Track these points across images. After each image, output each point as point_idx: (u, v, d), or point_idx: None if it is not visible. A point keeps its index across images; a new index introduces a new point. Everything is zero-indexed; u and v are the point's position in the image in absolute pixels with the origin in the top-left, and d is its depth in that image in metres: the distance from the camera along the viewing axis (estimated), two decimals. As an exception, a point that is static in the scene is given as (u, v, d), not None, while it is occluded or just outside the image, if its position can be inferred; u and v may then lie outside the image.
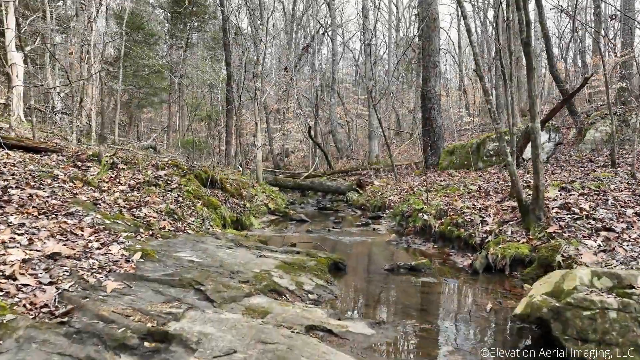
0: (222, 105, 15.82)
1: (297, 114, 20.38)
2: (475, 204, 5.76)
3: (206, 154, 22.37)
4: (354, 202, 10.50)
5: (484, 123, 22.43)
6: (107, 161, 6.13)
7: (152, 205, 4.81)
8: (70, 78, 13.12)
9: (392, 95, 24.29)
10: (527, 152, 9.78)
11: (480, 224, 4.82)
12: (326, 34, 25.43)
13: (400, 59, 22.43)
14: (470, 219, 5.08)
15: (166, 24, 25.94)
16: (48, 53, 16.21)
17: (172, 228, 4.39)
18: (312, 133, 16.68)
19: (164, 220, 4.46)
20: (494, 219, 4.84)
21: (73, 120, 7.92)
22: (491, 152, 10.18)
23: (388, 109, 24.15)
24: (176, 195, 5.51)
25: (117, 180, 5.73)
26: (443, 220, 5.56)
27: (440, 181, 9.09)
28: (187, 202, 5.36)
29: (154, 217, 4.43)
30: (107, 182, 5.55)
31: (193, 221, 4.77)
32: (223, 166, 14.81)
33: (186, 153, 19.68)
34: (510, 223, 4.49)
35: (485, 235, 4.46)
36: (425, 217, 5.94)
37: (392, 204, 8.47)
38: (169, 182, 5.96)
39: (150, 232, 3.98)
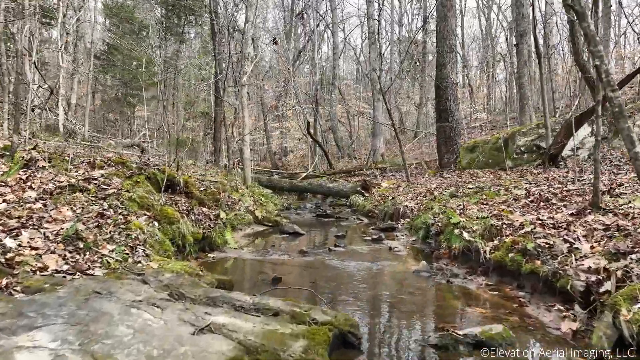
0: (213, 100, 13.96)
1: (296, 110, 18.50)
2: (541, 217, 3.87)
3: (201, 153, 20.52)
4: (358, 207, 8.61)
5: (493, 121, 20.55)
6: (21, 157, 4.26)
7: (50, 224, 2.92)
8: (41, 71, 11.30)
9: (396, 92, 22.41)
10: (567, 149, 7.91)
11: (569, 255, 2.93)
12: (327, 27, 23.56)
13: (405, 54, 20.56)
14: (546, 243, 3.18)
15: (162, 19, 23.99)
16: (29, 45, 14.36)
17: (66, 267, 2.50)
18: (312, 130, 14.79)
19: (53, 252, 2.57)
20: (591, 247, 2.95)
21: (4, 105, 6.03)
22: (522, 149, 8.29)
23: (391, 107, 22.23)
24: (106, 206, 3.62)
25: (28, 183, 3.85)
26: (497, 242, 3.67)
27: (466, 183, 7.20)
28: (119, 217, 3.46)
29: (36, 249, 2.55)
30: (8, 187, 3.67)
31: (113, 250, 2.88)
32: (210, 165, 12.95)
33: (179, 152, 17.81)
34: (634, 257, 2.59)
35: (593, 279, 2.57)
36: (467, 235, 4.04)
37: (408, 211, 6.59)
38: (104, 185, 4.08)
39: (5, 281, 2.09)
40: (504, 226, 3.84)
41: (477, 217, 4.42)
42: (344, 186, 10.12)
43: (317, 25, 23.47)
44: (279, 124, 23.34)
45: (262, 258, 4.43)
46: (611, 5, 19.66)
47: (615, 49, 21.32)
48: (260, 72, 20.95)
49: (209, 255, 4.39)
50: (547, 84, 16.73)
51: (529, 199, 4.80)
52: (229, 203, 6.34)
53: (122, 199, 3.94)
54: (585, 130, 8.07)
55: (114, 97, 20.32)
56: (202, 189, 5.97)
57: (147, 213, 4.03)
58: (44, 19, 16.35)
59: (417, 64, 21.88)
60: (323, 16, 20.87)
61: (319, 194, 11.06)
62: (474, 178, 7.79)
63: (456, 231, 4.27)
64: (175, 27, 23.29)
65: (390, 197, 7.80)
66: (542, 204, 4.46)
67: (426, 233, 5.13)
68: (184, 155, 14.55)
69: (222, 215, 5.10)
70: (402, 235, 5.80)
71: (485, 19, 27.61)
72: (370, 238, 5.60)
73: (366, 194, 9.40)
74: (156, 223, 3.99)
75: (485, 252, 3.66)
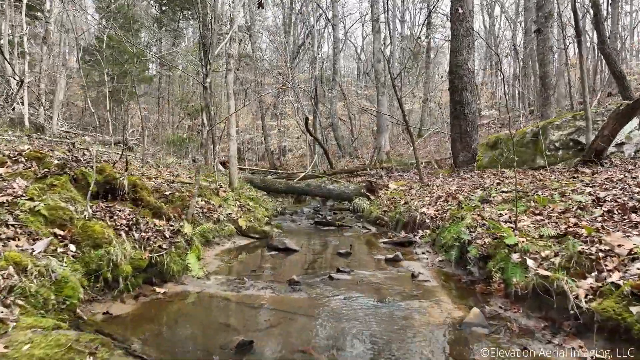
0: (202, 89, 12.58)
1: (295, 108, 17.07)
2: (657, 241, 2.45)
3: (194, 151, 19.11)
4: (364, 213, 7.20)
5: (502, 119, 19.13)
6: None
7: None
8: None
9: (399, 89, 20.97)
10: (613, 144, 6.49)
11: None
12: (328, 23, 22.15)
13: (413, 50, 19.18)
14: None
15: (157, 13, 22.53)
16: (9, 36, 13.00)
17: None
18: (311, 127, 13.37)
19: None
20: None
21: None
22: (556, 144, 6.86)
23: (395, 104, 20.82)
24: (-25, 225, 2.21)
25: None
26: (595, 281, 2.26)
27: (496, 185, 5.79)
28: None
29: None
30: None
31: None
32: (199, 164, 11.53)
33: (173, 151, 16.40)
34: None
35: None
36: (533, 265, 2.64)
37: (428, 220, 5.19)
38: (-4, 191, 2.67)
39: None
40: (600, 254, 2.43)
41: (542, 236, 3.02)
42: (346, 188, 8.71)
43: (318, 20, 22.05)
44: (278, 122, 21.94)
45: (234, 294, 3.01)
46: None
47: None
48: (258, 68, 19.56)
49: (158, 290, 2.98)
50: (564, 77, 15.28)
51: (605, 208, 3.39)
52: (204, 211, 4.94)
53: (18, 212, 2.53)
54: (633, 122, 6.65)
55: (104, 94, 18.89)
56: (167, 193, 4.56)
57: (60, 232, 2.63)
58: (31, 12, 15.02)
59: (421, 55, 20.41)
60: (324, 9, 19.45)
61: (318, 197, 9.65)
62: (502, 179, 6.37)
63: (514, 257, 2.86)
64: (170, 22, 21.92)
65: (402, 202, 6.39)
66: (633, 216, 3.05)
67: (460, 253, 3.72)
68: (165, 153, 13.14)
69: (187, 229, 3.69)
70: (423, 253, 4.40)
71: (489, 16, 26.24)
72: (383, 257, 4.20)
73: (372, 197, 8.00)
74: (72, 247, 2.59)
75: (577, 297, 2.24)
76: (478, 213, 4.23)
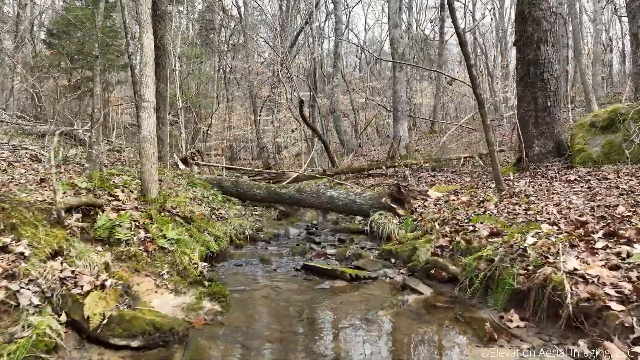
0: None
1: (290, 94, 13.57)
2: None
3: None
4: (398, 249, 3.63)
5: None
6: None
7: None
8: None
9: (407, 80, 17.43)
10: None
11: None
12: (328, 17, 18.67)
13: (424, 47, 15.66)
14: None
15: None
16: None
17: None
18: (307, 115, 9.90)
19: None
20: None
21: None
22: None
23: (407, 96, 17.24)
24: None
25: None
26: None
27: None
28: None
29: None
30: None
31: None
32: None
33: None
34: None
35: None
36: None
37: (606, 298, 1.66)
38: None
39: None
40: None
41: None
42: (356, 195, 5.19)
43: (317, 5, 18.52)
44: (273, 116, 18.44)
45: None
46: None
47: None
48: (249, 54, 16.12)
49: None
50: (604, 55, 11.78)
51: None
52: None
53: None
54: None
55: (73, 84, 15.42)
56: None
57: None
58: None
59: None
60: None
61: (315, 208, 6.12)
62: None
63: None
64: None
65: (486, 232, 2.88)
66: None
67: None
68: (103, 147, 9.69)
69: None
70: None
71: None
72: None
73: (400, 212, 4.53)
74: None
75: None
76: None
